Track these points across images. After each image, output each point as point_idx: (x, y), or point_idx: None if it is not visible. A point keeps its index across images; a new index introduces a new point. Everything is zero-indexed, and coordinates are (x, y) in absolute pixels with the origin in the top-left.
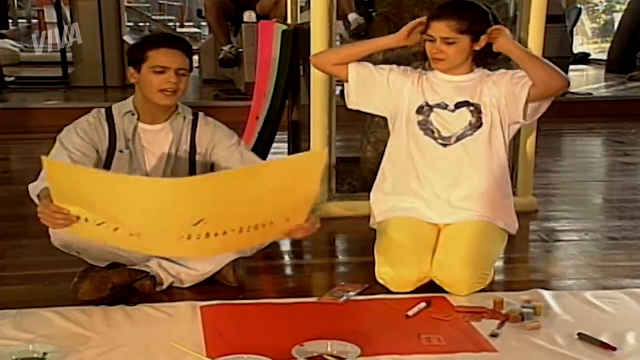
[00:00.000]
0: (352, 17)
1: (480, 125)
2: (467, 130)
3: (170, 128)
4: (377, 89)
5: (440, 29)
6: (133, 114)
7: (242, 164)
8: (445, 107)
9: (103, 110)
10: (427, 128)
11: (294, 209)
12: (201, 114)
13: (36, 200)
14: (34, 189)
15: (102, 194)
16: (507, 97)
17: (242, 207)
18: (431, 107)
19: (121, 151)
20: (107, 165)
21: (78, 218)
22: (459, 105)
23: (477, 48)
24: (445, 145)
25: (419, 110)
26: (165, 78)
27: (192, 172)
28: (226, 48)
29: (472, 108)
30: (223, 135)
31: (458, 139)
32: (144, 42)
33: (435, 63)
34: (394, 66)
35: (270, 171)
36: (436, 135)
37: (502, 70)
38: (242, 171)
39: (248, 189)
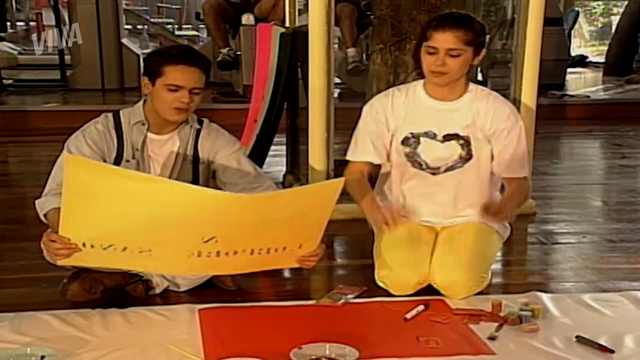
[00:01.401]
0: (351, 53)
1: (470, 157)
2: (457, 163)
3: (178, 137)
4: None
5: (447, 39)
6: (143, 124)
7: (239, 173)
8: (433, 136)
9: (110, 116)
10: (414, 160)
11: (307, 235)
12: (206, 121)
13: (43, 219)
14: (41, 206)
15: (121, 194)
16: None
17: (256, 229)
18: (417, 138)
19: (128, 161)
20: None
21: (84, 245)
22: (448, 138)
23: (476, 62)
24: (434, 174)
25: (405, 142)
26: (178, 96)
27: (195, 180)
28: (224, 51)
29: (461, 141)
30: (224, 142)
31: (447, 170)
32: (162, 55)
33: (436, 77)
34: (376, 119)
35: (288, 198)
36: (424, 166)
37: (496, 101)
38: (262, 196)
39: (264, 213)
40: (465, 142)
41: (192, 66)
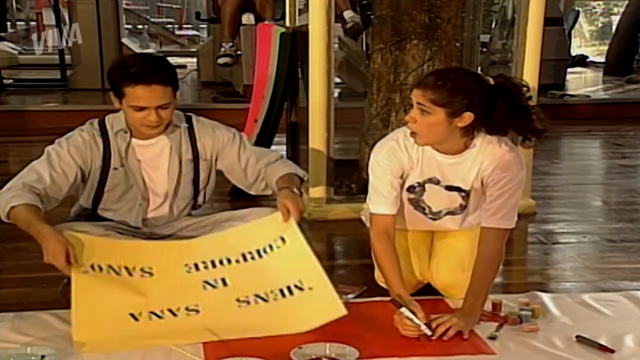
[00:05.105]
0: (348, 14)
1: (467, 206)
2: (457, 210)
3: (167, 139)
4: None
5: (417, 94)
6: (125, 132)
7: (244, 172)
8: (437, 182)
9: (96, 123)
10: (417, 205)
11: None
12: (194, 117)
13: (5, 219)
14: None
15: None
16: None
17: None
18: (422, 185)
19: (115, 168)
20: (101, 183)
21: (92, 267)
22: (450, 188)
23: (461, 125)
24: (434, 219)
25: (410, 189)
26: (145, 115)
27: (196, 178)
28: (227, 45)
29: (463, 194)
30: (223, 136)
31: (448, 214)
32: (121, 72)
33: (412, 135)
34: (395, 178)
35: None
36: (426, 210)
37: (499, 151)
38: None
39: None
40: (467, 195)
41: (152, 84)
